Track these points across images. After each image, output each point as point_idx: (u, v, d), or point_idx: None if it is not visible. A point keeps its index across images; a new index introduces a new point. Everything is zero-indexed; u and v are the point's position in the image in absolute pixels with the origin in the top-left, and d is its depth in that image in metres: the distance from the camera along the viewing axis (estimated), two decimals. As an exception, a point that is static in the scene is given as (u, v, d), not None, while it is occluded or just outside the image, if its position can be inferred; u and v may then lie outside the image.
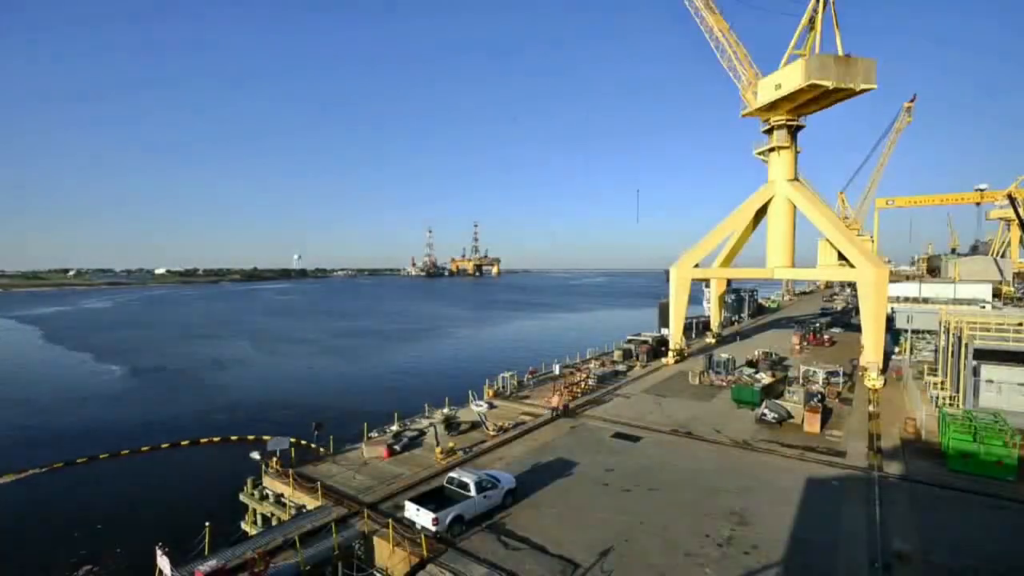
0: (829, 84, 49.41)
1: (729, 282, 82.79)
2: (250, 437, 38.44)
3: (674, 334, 59.32)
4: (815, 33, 53.12)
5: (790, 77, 52.20)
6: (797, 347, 63.19)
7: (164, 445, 41.93)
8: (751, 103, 58.47)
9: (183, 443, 41.78)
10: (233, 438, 40.16)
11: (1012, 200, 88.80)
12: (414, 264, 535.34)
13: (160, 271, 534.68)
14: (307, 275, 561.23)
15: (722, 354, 51.21)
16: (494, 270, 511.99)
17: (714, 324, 76.25)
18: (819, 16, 52.61)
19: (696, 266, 61.37)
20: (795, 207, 60.61)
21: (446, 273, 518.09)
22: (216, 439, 40.76)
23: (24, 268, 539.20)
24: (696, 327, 76.56)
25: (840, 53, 51.18)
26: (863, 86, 50.41)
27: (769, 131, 61.22)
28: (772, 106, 56.44)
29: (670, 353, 56.25)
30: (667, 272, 60.64)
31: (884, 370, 48.35)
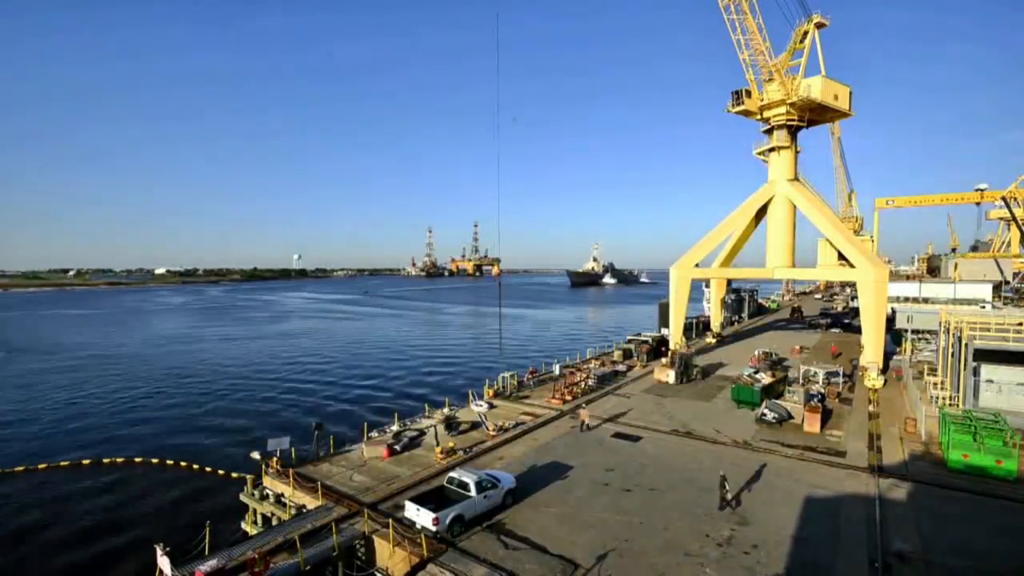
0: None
1: (729, 282, 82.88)
2: (220, 472, 38.44)
3: (674, 334, 59.39)
4: (804, 57, 57.56)
5: (813, 87, 56.38)
6: (797, 347, 63.21)
7: (154, 461, 41.85)
8: (766, 97, 58.58)
9: (168, 461, 41.63)
10: (207, 469, 40.01)
11: (1007, 202, 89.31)
12: (414, 264, 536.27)
13: (160, 271, 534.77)
14: (307, 275, 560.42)
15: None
16: (494, 270, 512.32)
17: (714, 324, 76.27)
18: (805, 47, 57.60)
19: (696, 266, 61.43)
20: (795, 207, 60.68)
21: (446, 273, 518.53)
22: (196, 467, 40.37)
23: (23, 268, 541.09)
24: (696, 327, 76.66)
25: (823, 75, 56.92)
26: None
27: (769, 131, 61.31)
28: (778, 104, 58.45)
29: (670, 353, 56.20)
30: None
31: (884, 370, 48.38)
